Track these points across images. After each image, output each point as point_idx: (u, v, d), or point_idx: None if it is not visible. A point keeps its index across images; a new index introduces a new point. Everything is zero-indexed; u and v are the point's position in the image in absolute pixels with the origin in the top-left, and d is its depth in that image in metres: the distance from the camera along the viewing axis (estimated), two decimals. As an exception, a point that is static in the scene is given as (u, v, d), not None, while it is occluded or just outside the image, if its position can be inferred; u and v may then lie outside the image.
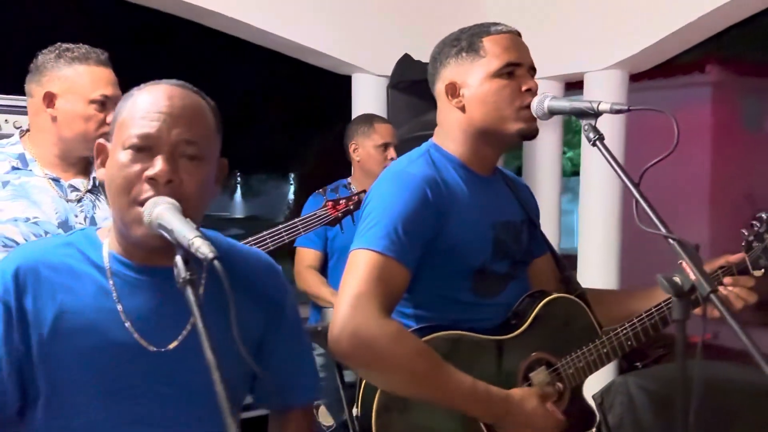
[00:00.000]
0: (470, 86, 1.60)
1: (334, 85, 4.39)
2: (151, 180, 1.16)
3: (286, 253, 2.70)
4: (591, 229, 3.84)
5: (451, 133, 1.65)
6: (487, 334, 1.59)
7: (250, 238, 2.45)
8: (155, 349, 1.23)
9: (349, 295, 1.43)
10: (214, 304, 1.08)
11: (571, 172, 9.97)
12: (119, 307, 1.22)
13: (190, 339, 1.23)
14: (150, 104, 1.20)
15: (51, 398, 1.20)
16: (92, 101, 1.97)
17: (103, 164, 1.26)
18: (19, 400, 1.21)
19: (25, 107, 2.13)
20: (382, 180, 1.60)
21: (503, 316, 1.66)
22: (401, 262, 1.47)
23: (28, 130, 2.04)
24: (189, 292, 1.02)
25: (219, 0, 3.58)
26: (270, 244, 2.48)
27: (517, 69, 1.59)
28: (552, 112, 1.53)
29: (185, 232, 1.06)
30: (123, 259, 1.25)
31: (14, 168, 1.94)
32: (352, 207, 2.66)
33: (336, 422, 2.71)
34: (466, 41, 1.61)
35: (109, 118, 1.96)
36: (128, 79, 1.55)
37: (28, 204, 1.90)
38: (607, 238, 3.76)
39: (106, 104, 1.98)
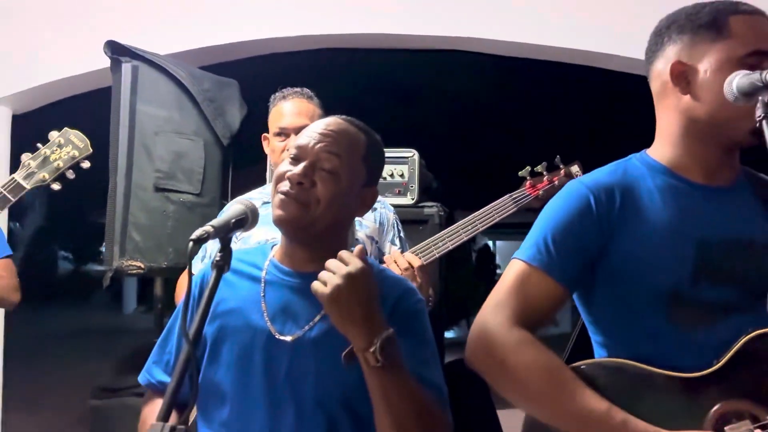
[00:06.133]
0: (703, 70, 1.35)
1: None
2: (289, 179, 1.41)
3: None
4: None
5: (665, 132, 1.43)
6: (670, 370, 1.32)
7: (429, 240, 2.26)
8: (279, 336, 1.41)
9: (487, 302, 1.39)
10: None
11: None
12: (262, 298, 1.44)
13: (310, 332, 1.41)
14: (312, 126, 1.48)
15: (205, 372, 1.43)
16: (275, 134, 2.29)
17: None
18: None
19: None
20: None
21: (713, 357, 1.33)
22: (549, 273, 1.37)
23: None
24: (212, 274, 1.22)
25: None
26: (448, 243, 2.23)
27: (765, 60, 1.32)
28: (743, 93, 1.26)
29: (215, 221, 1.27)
30: (278, 264, 1.49)
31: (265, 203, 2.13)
32: (557, 183, 2.23)
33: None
34: (707, 16, 1.36)
35: (288, 144, 2.22)
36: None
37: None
38: None
39: (286, 134, 2.27)
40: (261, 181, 2.71)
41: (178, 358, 1.40)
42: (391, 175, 2.89)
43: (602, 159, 1.53)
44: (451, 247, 2.24)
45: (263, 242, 2.01)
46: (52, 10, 3.93)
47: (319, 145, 1.41)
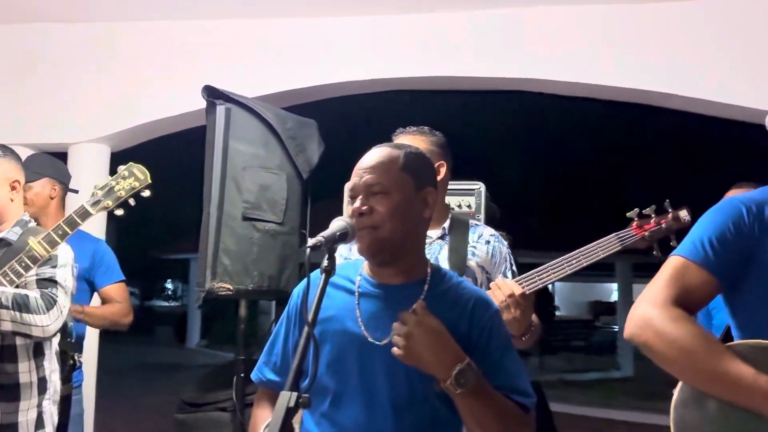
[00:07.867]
0: None
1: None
2: (353, 214, 1.62)
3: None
4: None
5: None
6: None
7: (533, 270, 2.30)
8: (372, 340, 1.60)
9: (645, 290, 1.58)
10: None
11: None
12: (357, 307, 1.64)
13: None
14: (357, 166, 1.68)
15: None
16: None
17: None
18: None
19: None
20: None
21: None
22: (703, 266, 1.55)
23: None
24: (321, 278, 1.43)
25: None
26: (552, 275, 2.28)
27: None
28: None
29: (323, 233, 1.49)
30: (368, 278, 1.69)
31: None
32: (664, 226, 2.23)
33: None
34: None
35: None
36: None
37: None
38: None
39: None
40: (335, 213, 2.91)
41: (284, 360, 1.71)
42: (459, 206, 3.07)
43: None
44: (554, 279, 2.32)
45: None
46: (149, 58, 4.36)
47: (364, 178, 1.63)
